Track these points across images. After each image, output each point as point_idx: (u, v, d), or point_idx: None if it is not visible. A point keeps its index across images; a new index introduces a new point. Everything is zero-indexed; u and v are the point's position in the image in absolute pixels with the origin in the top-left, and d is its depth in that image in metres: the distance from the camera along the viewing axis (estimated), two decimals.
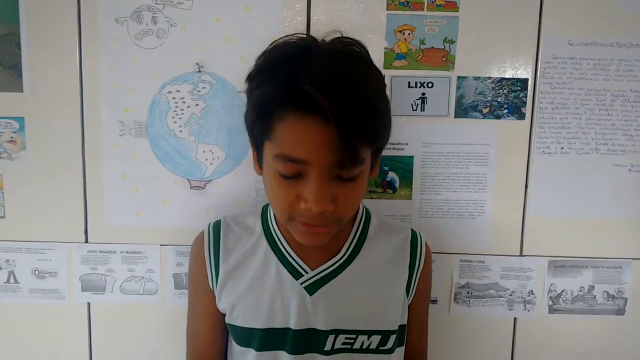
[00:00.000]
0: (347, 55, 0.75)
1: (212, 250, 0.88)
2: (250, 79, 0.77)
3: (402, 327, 0.89)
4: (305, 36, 0.79)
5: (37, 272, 1.09)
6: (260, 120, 0.73)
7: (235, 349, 0.89)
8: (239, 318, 0.86)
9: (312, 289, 0.84)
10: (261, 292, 0.85)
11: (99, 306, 1.10)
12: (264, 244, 0.87)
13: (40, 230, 1.08)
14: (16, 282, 1.10)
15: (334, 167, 0.70)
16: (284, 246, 0.86)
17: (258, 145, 0.78)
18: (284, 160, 0.71)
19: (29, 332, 1.11)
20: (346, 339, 0.85)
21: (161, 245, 1.08)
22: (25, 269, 1.09)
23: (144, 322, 1.11)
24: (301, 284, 0.84)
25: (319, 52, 0.73)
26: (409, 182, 1.08)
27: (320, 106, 0.66)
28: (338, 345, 0.85)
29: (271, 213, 0.89)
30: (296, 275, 0.84)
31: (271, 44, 0.78)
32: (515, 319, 1.13)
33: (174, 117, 1.04)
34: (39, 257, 1.09)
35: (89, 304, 1.10)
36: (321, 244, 0.79)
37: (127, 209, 1.07)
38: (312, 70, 0.69)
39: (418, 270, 0.90)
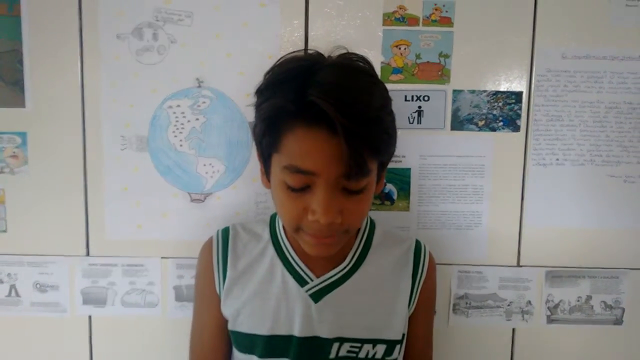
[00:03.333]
0: (353, 68, 0.76)
1: (220, 255, 0.89)
2: (259, 92, 0.77)
3: (404, 335, 0.89)
4: (312, 51, 0.80)
5: (38, 286, 1.10)
6: (269, 133, 0.74)
7: (237, 356, 0.89)
8: (243, 324, 0.86)
9: (316, 297, 0.85)
10: (266, 298, 0.85)
11: (100, 319, 1.11)
12: (271, 250, 0.88)
13: (42, 244, 1.09)
14: (17, 295, 1.10)
15: (340, 178, 0.71)
16: (290, 253, 0.87)
17: (266, 158, 0.78)
18: (292, 171, 0.72)
19: (30, 346, 1.11)
20: (351, 347, 0.85)
21: (162, 257, 1.09)
22: (27, 282, 1.10)
23: (144, 335, 1.11)
24: (306, 291, 0.85)
25: (326, 65, 0.74)
26: (406, 193, 1.09)
27: (328, 117, 0.67)
28: (342, 353, 0.85)
29: (279, 221, 0.90)
30: (301, 282, 0.85)
31: (279, 59, 0.79)
32: (514, 329, 1.13)
33: (174, 131, 1.06)
34: (40, 270, 1.09)
35: (89, 317, 1.11)
36: (329, 255, 0.80)
37: (127, 222, 1.08)
38: (319, 82, 0.70)
39: (420, 279, 0.90)
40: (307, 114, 0.69)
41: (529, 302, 1.12)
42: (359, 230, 0.90)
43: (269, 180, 0.81)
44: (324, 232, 0.75)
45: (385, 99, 0.77)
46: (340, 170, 0.70)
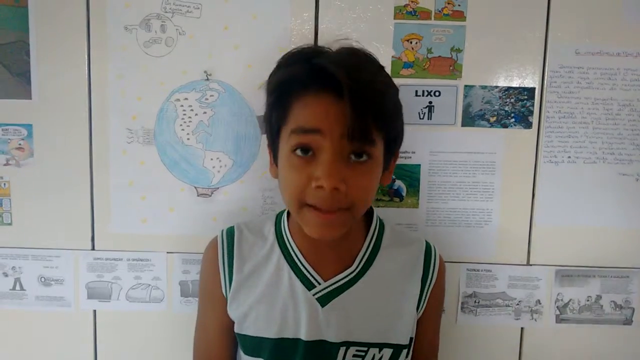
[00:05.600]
0: (360, 52, 0.80)
1: (225, 257, 0.88)
2: (269, 78, 0.82)
3: (411, 339, 0.88)
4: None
5: (43, 279, 1.09)
6: (278, 104, 0.78)
7: (243, 358, 0.88)
8: (250, 327, 0.85)
9: (324, 300, 0.83)
10: (273, 301, 0.84)
11: (104, 313, 1.10)
12: (277, 252, 0.87)
13: (47, 237, 1.08)
14: (22, 289, 1.09)
15: (344, 140, 0.72)
16: (297, 255, 0.85)
17: (274, 137, 0.80)
18: (298, 133, 0.74)
19: (34, 340, 1.11)
20: (357, 351, 0.84)
21: (167, 252, 1.08)
22: (31, 275, 1.09)
23: (149, 330, 1.10)
24: (313, 295, 0.83)
25: (333, 49, 0.79)
26: (415, 190, 1.08)
27: (336, 84, 0.71)
28: (349, 357, 0.84)
29: (285, 221, 0.89)
30: (308, 285, 0.84)
31: (286, 53, 0.83)
32: (522, 328, 1.12)
33: (181, 125, 1.04)
34: (45, 264, 1.09)
35: (94, 311, 1.10)
36: (332, 237, 0.78)
37: (133, 216, 1.07)
38: (328, 55, 0.76)
39: (430, 283, 0.89)
40: (315, 82, 0.74)
41: (538, 301, 1.11)
42: (367, 230, 0.89)
43: (276, 165, 0.81)
44: (327, 202, 0.73)
45: (391, 81, 0.82)
46: (344, 129, 0.72)
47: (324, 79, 0.72)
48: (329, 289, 0.84)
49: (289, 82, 0.76)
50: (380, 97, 0.74)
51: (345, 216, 0.76)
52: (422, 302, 0.89)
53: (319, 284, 0.84)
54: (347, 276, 0.85)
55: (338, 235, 0.78)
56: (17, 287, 1.09)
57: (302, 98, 0.75)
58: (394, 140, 0.82)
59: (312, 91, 0.74)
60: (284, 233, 0.88)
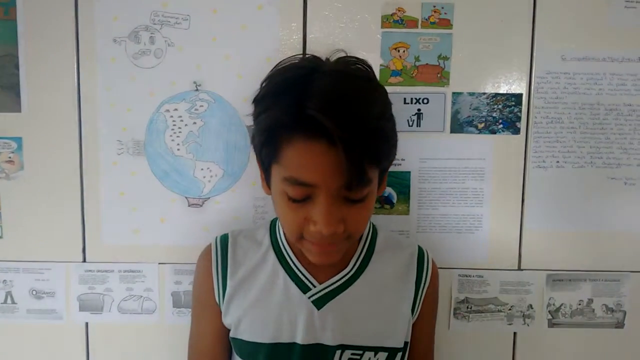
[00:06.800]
0: (352, 75, 0.75)
1: (219, 264, 0.88)
2: (256, 102, 0.77)
3: (406, 343, 0.88)
4: (309, 56, 0.79)
5: (34, 292, 1.08)
6: (267, 145, 0.74)
7: None
8: (245, 332, 0.85)
9: (319, 303, 0.84)
10: (268, 305, 0.84)
11: (96, 326, 1.10)
12: (272, 256, 0.87)
13: (38, 250, 1.08)
14: (13, 302, 1.09)
15: (341, 189, 0.71)
16: (291, 259, 0.86)
17: (266, 167, 0.78)
18: (292, 183, 0.72)
19: (26, 353, 1.10)
20: (352, 354, 0.84)
21: (159, 263, 1.08)
22: (23, 288, 1.08)
23: (142, 342, 1.10)
24: (309, 298, 0.84)
25: (323, 73, 0.73)
26: (406, 197, 1.08)
27: (327, 129, 0.66)
28: None
29: (279, 227, 0.89)
30: (304, 288, 0.84)
31: (275, 66, 0.78)
32: (515, 333, 1.12)
33: (171, 135, 1.05)
34: (36, 276, 1.08)
35: (86, 323, 1.10)
36: (332, 263, 0.80)
37: (124, 228, 1.07)
38: (316, 93, 0.69)
39: (424, 286, 0.90)
40: (305, 126, 0.69)
41: (530, 306, 1.11)
42: (361, 235, 0.89)
43: (269, 187, 0.80)
44: (326, 241, 0.75)
45: (385, 104, 0.76)
46: (341, 182, 0.70)
47: (314, 126, 0.67)
48: (324, 291, 0.84)
49: (276, 127, 0.71)
50: (376, 139, 0.71)
51: (344, 244, 0.78)
52: (416, 306, 0.89)
53: (314, 286, 0.84)
54: (342, 278, 0.86)
55: (337, 260, 0.80)
56: (9, 301, 1.09)
57: (292, 142, 0.70)
58: (389, 165, 0.82)
59: (302, 135, 0.69)
60: (278, 238, 0.88)
